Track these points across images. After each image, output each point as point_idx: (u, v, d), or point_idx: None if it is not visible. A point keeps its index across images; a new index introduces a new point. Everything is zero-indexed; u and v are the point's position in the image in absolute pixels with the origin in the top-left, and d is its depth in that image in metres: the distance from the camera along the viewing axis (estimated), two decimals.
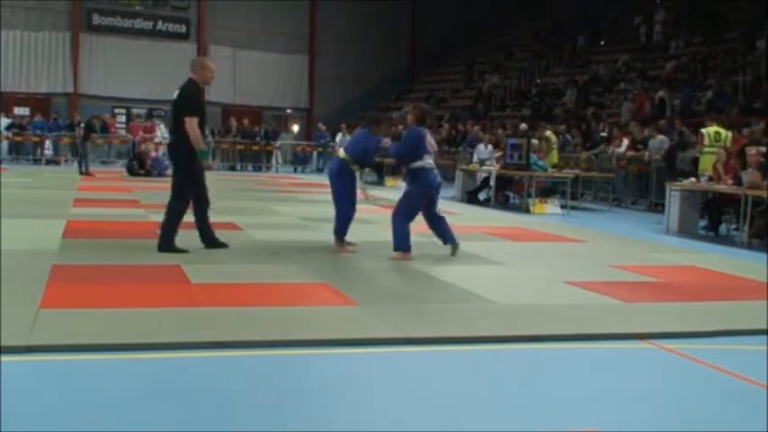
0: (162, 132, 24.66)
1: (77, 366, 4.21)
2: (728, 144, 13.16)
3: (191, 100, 7.49)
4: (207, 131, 26.88)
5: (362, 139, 8.45)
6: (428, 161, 7.91)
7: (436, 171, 8.05)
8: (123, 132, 27.98)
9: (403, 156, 8.11)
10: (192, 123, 7.34)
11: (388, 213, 8.46)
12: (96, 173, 20.08)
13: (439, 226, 8.21)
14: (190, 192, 7.59)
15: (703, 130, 13.75)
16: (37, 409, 3.53)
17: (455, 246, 8.12)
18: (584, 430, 3.53)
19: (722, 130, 13.56)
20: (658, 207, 14.56)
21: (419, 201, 8.00)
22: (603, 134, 18.99)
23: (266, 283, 6.48)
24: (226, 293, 5.92)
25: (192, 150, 7.39)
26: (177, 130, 7.48)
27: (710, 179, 11.98)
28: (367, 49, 35.17)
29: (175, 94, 7.56)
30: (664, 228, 12.06)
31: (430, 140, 7.92)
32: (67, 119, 26.44)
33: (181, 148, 7.46)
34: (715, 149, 12.87)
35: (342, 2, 34.09)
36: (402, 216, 7.97)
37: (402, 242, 7.91)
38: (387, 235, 9.15)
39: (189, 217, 7.72)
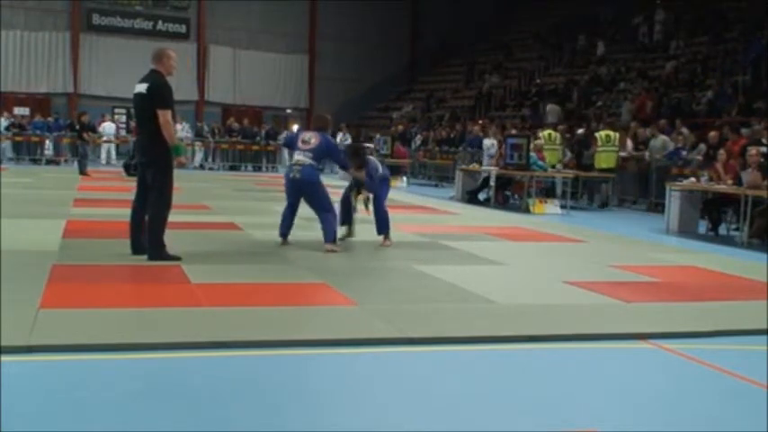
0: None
1: (77, 366, 4.21)
2: (617, 144, 16.29)
3: (164, 92, 7.01)
4: (206, 130, 27.21)
5: None
6: (295, 157, 8.40)
7: (297, 166, 8.28)
8: (123, 132, 27.98)
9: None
10: (166, 117, 6.93)
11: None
12: (95, 173, 20.05)
13: (284, 219, 8.59)
14: (171, 191, 7.16)
15: (597, 134, 16.65)
16: (37, 409, 3.53)
17: (283, 239, 8.54)
18: (584, 430, 3.54)
19: (612, 133, 16.41)
20: (658, 207, 14.58)
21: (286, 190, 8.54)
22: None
23: (266, 283, 6.48)
24: (226, 293, 5.92)
25: (167, 146, 6.99)
26: (148, 123, 6.97)
27: (710, 179, 11.98)
28: (367, 49, 35.19)
29: (143, 87, 7.02)
30: (664, 228, 12.06)
31: (302, 138, 8.39)
32: (68, 119, 26.46)
33: (157, 145, 6.99)
34: (607, 149, 16.15)
35: (342, 2, 34.10)
36: None
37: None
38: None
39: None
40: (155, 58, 7.21)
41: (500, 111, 28.79)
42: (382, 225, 8.85)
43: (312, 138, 8.35)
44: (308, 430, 3.46)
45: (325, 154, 8.49)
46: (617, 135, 16.42)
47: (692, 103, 20.45)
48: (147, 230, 7.13)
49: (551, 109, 23.78)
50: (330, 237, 8.27)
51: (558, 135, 17.73)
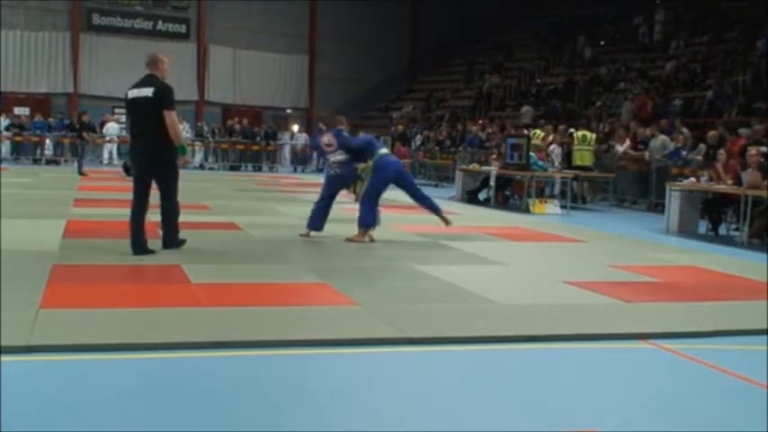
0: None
1: (77, 366, 4.21)
2: (593, 143, 17.03)
3: (170, 94, 7.33)
4: (206, 130, 27.19)
5: None
6: (331, 158, 9.23)
7: (335, 164, 9.17)
8: (124, 132, 27.96)
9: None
10: (173, 117, 7.23)
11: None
12: (95, 173, 20.04)
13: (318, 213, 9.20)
14: (176, 189, 7.53)
15: (574, 134, 17.38)
16: (37, 409, 3.53)
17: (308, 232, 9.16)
18: (584, 430, 3.54)
19: (588, 133, 17.27)
20: (658, 207, 14.57)
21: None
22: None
23: (266, 283, 6.48)
24: (226, 293, 5.92)
25: (173, 147, 7.28)
26: (157, 127, 7.19)
27: (710, 179, 11.98)
28: (367, 49, 35.19)
29: (148, 91, 7.26)
30: (664, 228, 12.06)
31: (324, 142, 9.32)
32: (68, 119, 26.47)
33: (165, 147, 7.25)
34: (582, 148, 16.83)
35: (342, 2, 34.10)
36: None
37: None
38: (387, 234, 9.16)
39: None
40: (150, 63, 7.50)
41: (500, 111, 28.79)
42: (363, 217, 8.97)
43: (330, 139, 9.22)
44: (309, 430, 3.46)
45: (346, 148, 9.18)
46: (593, 135, 17.23)
47: (692, 103, 20.45)
48: (164, 222, 7.54)
49: (526, 110, 25.08)
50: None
51: (540, 134, 17.69)
